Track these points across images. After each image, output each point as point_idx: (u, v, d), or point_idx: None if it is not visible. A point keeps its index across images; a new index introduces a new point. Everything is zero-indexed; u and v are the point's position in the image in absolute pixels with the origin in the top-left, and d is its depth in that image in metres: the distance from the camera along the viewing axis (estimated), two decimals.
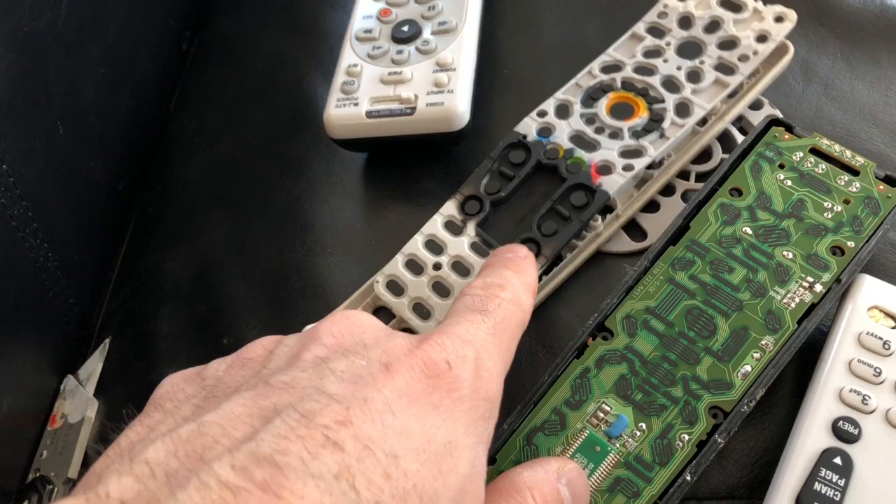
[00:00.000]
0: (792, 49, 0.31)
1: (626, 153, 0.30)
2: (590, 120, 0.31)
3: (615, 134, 0.30)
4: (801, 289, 0.25)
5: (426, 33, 0.33)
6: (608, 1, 0.37)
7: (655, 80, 0.31)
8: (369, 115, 0.31)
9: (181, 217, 0.37)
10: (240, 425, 0.16)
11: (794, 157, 0.28)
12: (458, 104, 0.30)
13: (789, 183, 0.28)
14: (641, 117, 0.31)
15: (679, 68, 0.31)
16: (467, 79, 0.31)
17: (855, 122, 0.31)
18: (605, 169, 0.29)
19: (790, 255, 0.26)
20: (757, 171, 0.28)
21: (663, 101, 0.31)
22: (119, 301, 0.35)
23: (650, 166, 0.30)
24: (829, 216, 0.26)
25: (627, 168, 0.29)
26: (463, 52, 0.32)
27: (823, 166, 0.28)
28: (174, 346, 0.32)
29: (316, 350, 0.19)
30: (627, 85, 0.32)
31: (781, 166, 0.28)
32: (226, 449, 0.15)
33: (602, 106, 0.31)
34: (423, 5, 0.34)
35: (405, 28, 0.33)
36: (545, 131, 0.31)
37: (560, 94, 0.32)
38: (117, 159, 0.39)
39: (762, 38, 0.31)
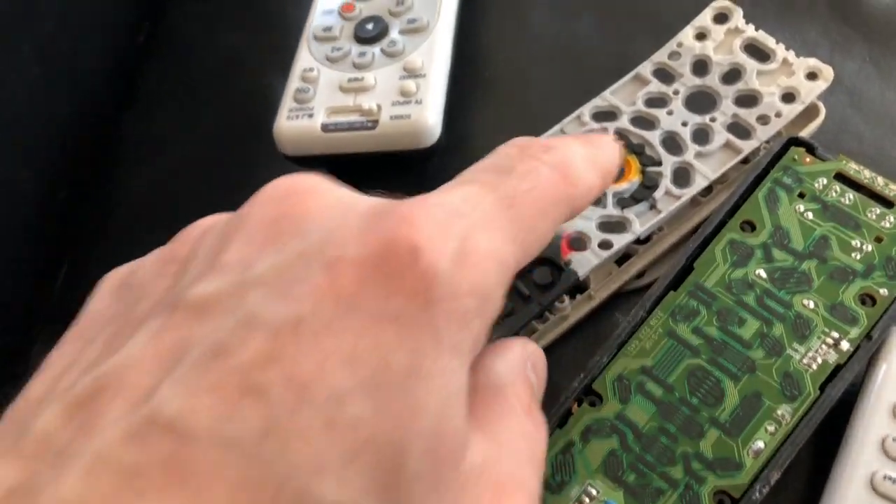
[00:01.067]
0: (823, 113, 0.26)
1: (607, 225, 0.25)
2: None
3: (597, 200, 0.25)
4: (824, 346, 0.21)
5: (393, 32, 0.29)
6: None
7: (654, 137, 0.26)
8: (325, 128, 0.27)
9: (123, 236, 0.33)
10: (143, 374, 0.13)
11: (816, 185, 0.24)
12: (427, 117, 0.26)
13: (811, 216, 0.24)
14: (631, 181, 0.25)
15: (685, 124, 0.26)
16: (439, 87, 0.27)
17: (887, 138, 0.27)
18: (579, 242, 0.24)
19: (811, 305, 0.22)
20: (773, 202, 0.24)
21: (660, 163, 0.26)
22: (48, 337, 0.31)
23: (635, 241, 0.25)
24: (858, 257, 0.23)
25: (605, 245, 0.24)
26: (435, 54, 0.28)
27: (851, 196, 0.24)
28: None
29: (241, 247, 0.14)
30: (621, 138, 0.26)
31: (801, 195, 0.24)
32: (122, 413, 0.12)
33: None
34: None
35: (369, 26, 0.29)
36: None
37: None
38: (56, 167, 0.35)
39: (789, 98, 0.26)
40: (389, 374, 0.12)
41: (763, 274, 0.23)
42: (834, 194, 0.24)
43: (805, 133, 0.26)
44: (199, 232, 0.16)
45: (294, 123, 0.27)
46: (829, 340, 0.21)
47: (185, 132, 0.35)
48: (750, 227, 0.24)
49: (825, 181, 0.24)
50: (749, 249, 0.23)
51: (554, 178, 0.16)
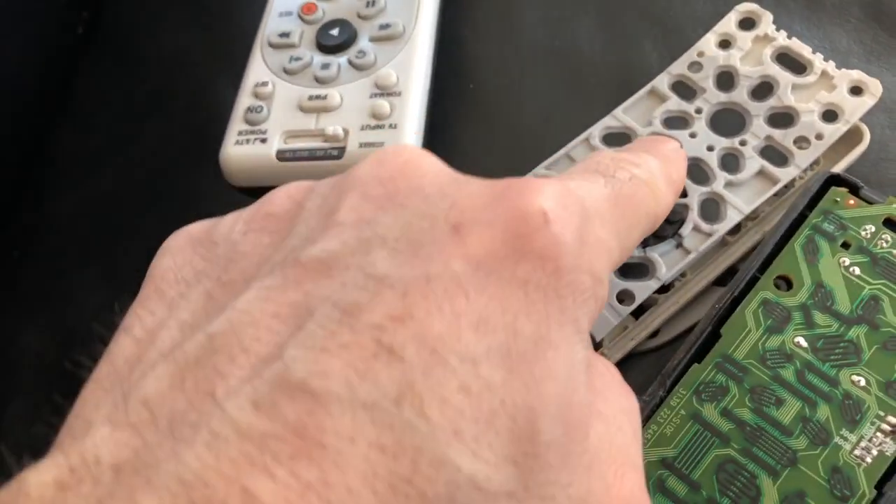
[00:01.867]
0: (868, 136, 0.22)
1: (626, 269, 0.21)
2: None
3: None
4: (879, 434, 0.18)
5: (362, 40, 0.25)
6: None
7: None
8: (281, 156, 0.23)
9: (48, 271, 0.28)
10: (263, 332, 0.12)
11: (862, 233, 0.20)
12: (404, 143, 0.22)
13: (857, 271, 0.20)
14: None
15: (711, 148, 0.22)
16: (417, 106, 0.23)
17: None
18: None
19: (862, 382, 0.19)
20: (812, 253, 0.20)
21: (685, 194, 0.22)
22: None
23: (659, 289, 0.21)
24: None
25: (626, 297, 0.21)
26: (412, 67, 0.24)
27: None
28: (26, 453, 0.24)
29: (357, 204, 0.14)
30: None
31: (845, 245, 0.20)
32: (246, 375, 0.12)
33: None
34: (359, 0, 0.25)
35: (334, 32, 0.25)
36: None
37: (542, 169, 0.23)
38: None
39: (830, 116, 0.22)
40: (519, 340, 0.12)
41: (803, 342, 0.19)
42: (884, 245, 0.20)
43: (845, 162, 0.23)
44: (296, 189, 0.16)
45: (244, 150, 0.23)
46: (886, 427, 0.18)
47: (122, 149, 0.30)
48: (786, 283, 0.20)
49: (873, 228, 0.20)
50: (786, 312, 0.20)
51: (646, 191, 0.16)
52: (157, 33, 0.33)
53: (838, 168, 0.22)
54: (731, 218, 0.21)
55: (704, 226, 0.22)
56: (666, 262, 0.21)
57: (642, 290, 0.21)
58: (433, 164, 0.15)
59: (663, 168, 0.17)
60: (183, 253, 0.15)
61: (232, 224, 0.15)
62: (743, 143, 0.22)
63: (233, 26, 0.32)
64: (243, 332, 0.12)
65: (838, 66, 0.23)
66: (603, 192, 0.15)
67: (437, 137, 0.26)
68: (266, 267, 0.13)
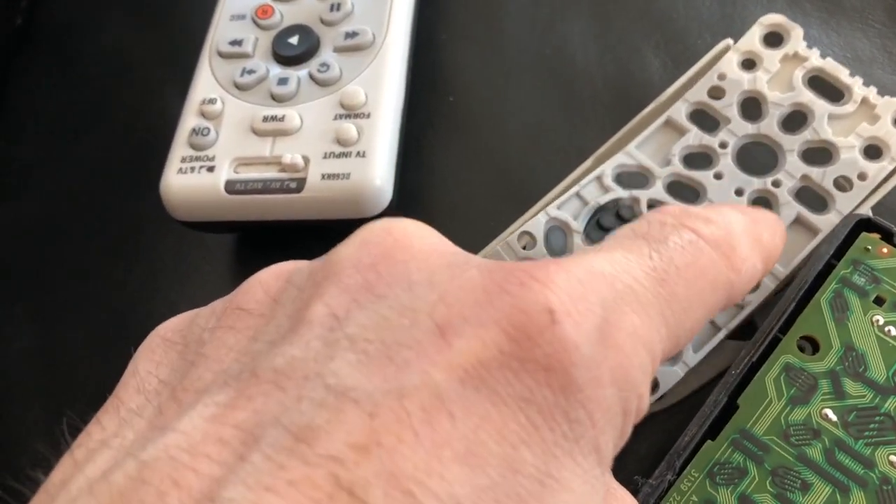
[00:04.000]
0: None
1: None
2: None
3: None
4: None
5: (326, 50, 0.21)
6: None
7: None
8: (231, 188, 0.20)
9: None
10: (201, 463, 0.10)
11: None
12: (373, 177, 0.19)
13: (893, 331, 0.17)
14: None
15: (740, 192, 0.19)
16: (389, 130, 0.20)
17: None
18: None
19: None
20: (840, 309, 0.18)
21: None
22: None
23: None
24: None
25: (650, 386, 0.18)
26: (383, 83, 0.20)
27: None
28: None
29: (332, 298, 0.12)
30: None
31: (879, 301, 0.18)
32: None
33: None
34: (322, 1, 0.22)
35: (293, 40, 0.21)
36: None
37: (553, 210, 0.19)
38: None
39: (874, 152, 0.20)
40: (519, 479, 0.10)
41: (832, 416, 0.17)
42: None
43: (876, 197, 0.20)
44: (273, 278, 0.14)
45: (188, 180, 0.20)
46: None
47: (56, 165, 0.27)
48: (811, 345, 0.18)
49: None
50: (812, 379, 0.17)
51: (714, 256, 0.14)
52: (97, 31, 0.30)
53: (867, 206, 0.19)
54: (766, 286, 0.19)
55: None
56: (693, 342, 0.18)
57: (668, 377, 0.18)
58: (425, 243, 0.13)
59: (749, 226, 0.15)
60: (153, 357, 0.14)
61: (207, 318, 0.14)
62: (776, 185, 0.19)
63: (181, 26, 0.28)
64: (178, 461, 0.10)
65: (867, 84, 0.20)
66: (645, 267, 0.13)
67: (412, 157, 0.23)
68: (221, 377, 0.12)
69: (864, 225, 0.19)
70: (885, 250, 0.18)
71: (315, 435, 0.10)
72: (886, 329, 0.18)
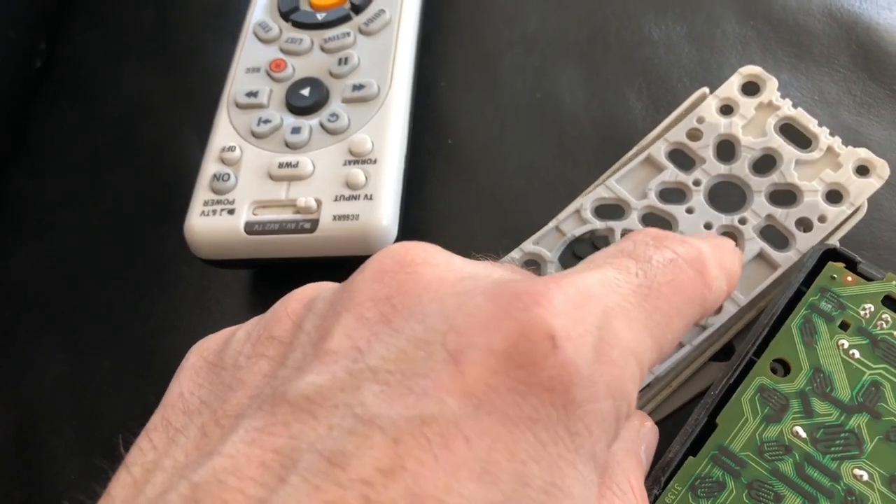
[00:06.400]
0: (864, 208, 0.21)
1: None
2: None
3: None
4: None
5: (335, 101, 0.23)
6: (587, 39, 0.28)
7: None
8: (250, 229, 0.21)
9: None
10: (247, 484, 0.11)
11: (861, 313, 0.20)
12: (380, 217, 0.21)
13: (856, 354, 0.19)
14: None
15: (708, 226, 0.21)
16: (393, 174, 0.22)
17: None
18: None
19: (865, 476, 0.18)
20: (809, 334, 0.19)
21: None
22: None
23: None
24: None
25: None
26: (388, 132, 0.22)
27: None
28: None
29: (352, 329, 0.13)
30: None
31: (844, 326, 0.19)
32: None
33: None
34: (331, 55, 0.24)
35: (305, 91, 0.23)
36: None
37: (530, 245, 0.21)
38: None
39: (835, 197, 0.21)
40: (526, 494, 0.11)
41: (802, 433, 0.18)
42: (884, 325, 0.19)
43: (840, 233, 0.22)
44: (298, 305, 0.15)
45: (210, 222, 0.21)
46: None
47: (80, 203, 0.29)
48: (783, 367, 0.19)
49: (872, 308, 0.20)
50: (783, 399, 0.19)
51: (691, 274, 0.15)
52: (119, 72, 0.32)
53: (835, 238, 0.21)
54: (728, 309, 0.20)
55: None
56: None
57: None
58: (435, 273, 0.14)
59: (713, 250, 0.16)
60: (195, 377, 0.15)
61: (242, 343, 0.15)
62: (742, 222, 0.21)
63: (200, 69, 0.30)
64: (226, 484, 0.11)
65: (830, 125, 0.22)
66: (632, 283, 0.14)
67: (414, 196, 0.25)
68: (256, 401, 0.13)
69: (831, 255, 0.20)
70: (849, 278, 0.20)
71: (346, 460, 0.11)
72: (851, 352, 0.19)
